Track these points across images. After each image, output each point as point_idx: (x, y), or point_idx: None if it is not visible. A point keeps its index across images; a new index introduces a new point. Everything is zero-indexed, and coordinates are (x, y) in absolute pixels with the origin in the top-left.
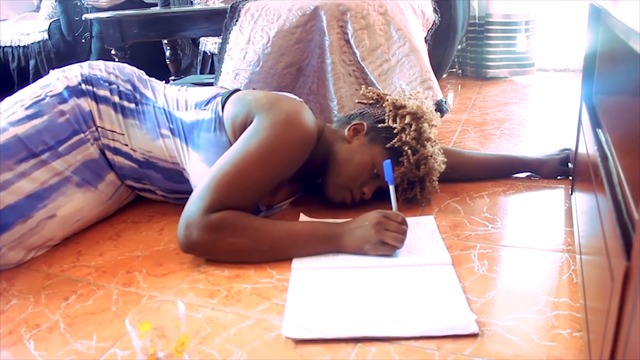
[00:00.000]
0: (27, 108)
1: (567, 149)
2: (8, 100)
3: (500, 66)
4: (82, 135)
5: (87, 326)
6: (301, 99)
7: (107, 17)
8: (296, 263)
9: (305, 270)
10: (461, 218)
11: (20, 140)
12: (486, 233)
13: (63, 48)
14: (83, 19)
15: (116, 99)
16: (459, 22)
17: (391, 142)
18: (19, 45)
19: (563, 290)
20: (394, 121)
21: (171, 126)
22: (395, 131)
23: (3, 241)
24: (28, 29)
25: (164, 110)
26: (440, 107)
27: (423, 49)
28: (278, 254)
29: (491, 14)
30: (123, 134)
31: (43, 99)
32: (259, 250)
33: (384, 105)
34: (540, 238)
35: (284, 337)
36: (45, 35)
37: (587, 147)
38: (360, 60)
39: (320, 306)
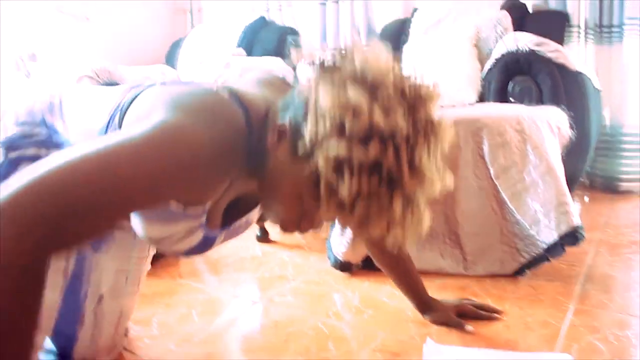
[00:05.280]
0: None
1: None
2: None
3: (635, 179)
4: None
5: None
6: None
7: None
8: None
9: None
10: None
11: None
12: None
13: None
14: None
15: (44, 151)
16: (592, 135)
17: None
18: None
19: None
20: (315, 124)
21: None
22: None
23: (88, 350)
24: None
25: None
26: (575, 234)
27: (559, 169)
28: None
29: (624, 124)
30: None
31: None
32: None
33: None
34: None
35: None
36: None
37: None
38: (493, 177)
39: None
